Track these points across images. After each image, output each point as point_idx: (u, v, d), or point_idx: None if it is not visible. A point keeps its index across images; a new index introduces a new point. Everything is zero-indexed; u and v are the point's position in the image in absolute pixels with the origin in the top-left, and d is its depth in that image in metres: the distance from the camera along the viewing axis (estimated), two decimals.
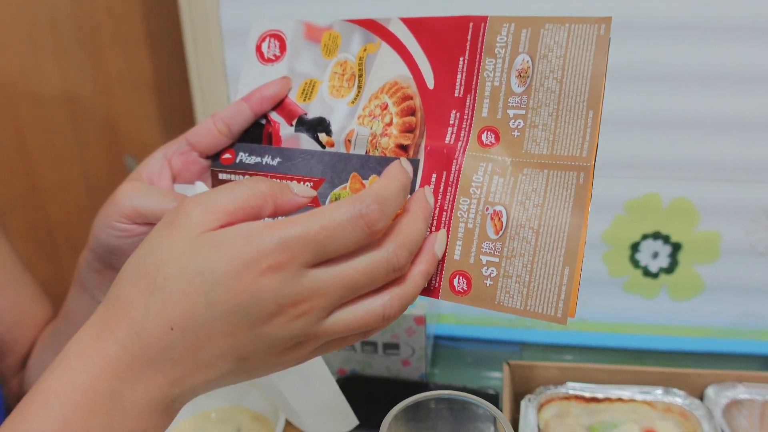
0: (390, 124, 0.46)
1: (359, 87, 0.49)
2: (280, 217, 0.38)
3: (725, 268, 0.87)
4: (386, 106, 0.47)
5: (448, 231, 0.43)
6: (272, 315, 0.36)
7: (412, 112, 0.46)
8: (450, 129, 0.44)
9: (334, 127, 0.49)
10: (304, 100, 0.51)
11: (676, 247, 0.88)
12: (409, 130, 0.46)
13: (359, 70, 0.49)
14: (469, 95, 0.44)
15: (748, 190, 0.83)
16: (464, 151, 0.43)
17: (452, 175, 0.43)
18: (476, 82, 0.43)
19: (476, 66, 0.44)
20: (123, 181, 0.50)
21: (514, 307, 0.41)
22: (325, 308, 0.37)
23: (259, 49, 0.53)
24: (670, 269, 0.89)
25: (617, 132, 0.83)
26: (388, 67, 0.47)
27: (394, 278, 0.39)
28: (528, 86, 0.41)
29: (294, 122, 0.51)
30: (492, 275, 0.41)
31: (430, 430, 0.47)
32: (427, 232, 0.41)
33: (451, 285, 0.42)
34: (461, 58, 0.44)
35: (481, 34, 0.43)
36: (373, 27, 0.48)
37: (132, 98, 1.07)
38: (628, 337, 0.90)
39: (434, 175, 0.44)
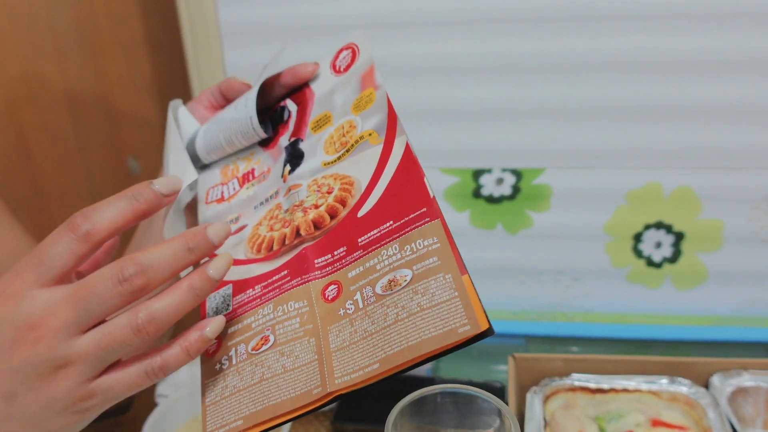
0: (317, 207, 0.47)
1: (339, 158, 0.49)
2: None
3: (728, 256, 0.87)
4: (331, 191, 0.47)
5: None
6: (12, 341, 0.38)
7: (333, 216, 0.46)
8: (330, 256, 0.45)
9: (298, 170, 0.51)
10: (312, 129, 0.53)
11: (679, 237, 0.88)
12: (319, 225, 0.46)
13: (352, 146, 0.49)
14: (363, 251, 0.43)
15: (749, 178, 0.83)
16: (314, 279, 0.44)
17: (290, 283, 0.45)
18: (375, 249, 0.42)
19: (387, 239, 0.42)
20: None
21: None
22: (62, 329, 0.37)
23: (334, 62, 0.56)
24: (673, 258, 0.89)
25: (617, 122, 0.83)
26: (365, 164, 0.47)
27: (125, 293, 0.38)
28: (385, 295, 0.40)
29: (292, 139, 0.54)
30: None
31: (436, 424, 0.48)
32: (192, 256, 0.40)
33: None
34: (391, 221, 0.43)
35: (416, 223, 0.41)
36: (390, 123, 0.47)
37: (133, 100, 1.07)
38: (632, 327, 0.90)
39: (285, 272, 0.46)
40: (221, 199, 0.55)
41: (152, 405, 0.66)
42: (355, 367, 0.39)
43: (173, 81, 1.05)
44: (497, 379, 0.77)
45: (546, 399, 0.67)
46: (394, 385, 0.83)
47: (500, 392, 0.75)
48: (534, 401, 0.66)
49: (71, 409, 0.40)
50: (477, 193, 0.89)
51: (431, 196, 0.42)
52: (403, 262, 0.40)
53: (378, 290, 0.40)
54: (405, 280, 0.39)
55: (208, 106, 0.60)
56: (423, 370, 0.79)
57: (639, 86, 0.81)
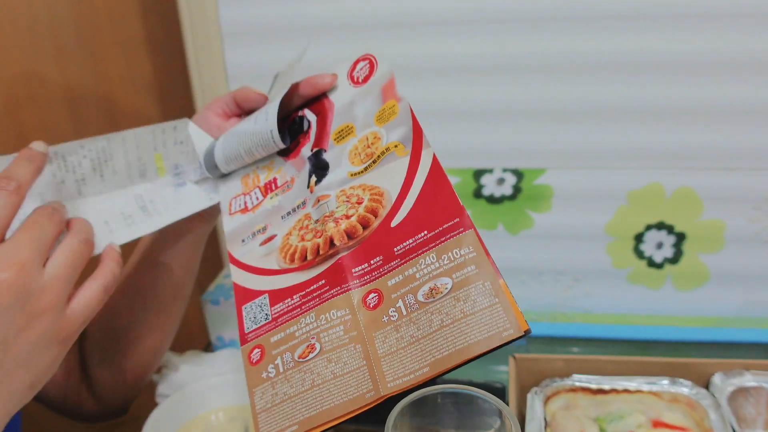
0: (347, 217, 0.49)
1: (366, 169, 0.50)
2: None
3: (730, 256, 0.87)
4: (360, 202, 0.49)
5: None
6: None
7: (366, 226, 0.48)
8: (367, 265, 0.46)
9: (325, 181, 0.52)
10: (335, 140, 0.54)
11: (680, 237, 0.87)
12: (352, 235, 0.48)
13: (378, 157, 0.50)
14: (401, 260, 0.45)
15: (750, 178, 0.83)
16: (354, 288, 0.46)
17: (329, 292, 0.47)
18: (413, 258, 0.44)
19: (424, 248, 0.44)
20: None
21: None
22: (29, 263, 0.44)
23: (351, 73, 0.57)
24: (674, 259, 0.89)
25: (619, 122, 0.83)
26: (393, 175, 0.49)
27: (61, 224, 0.48)
28: (428, 302, 0.42)
29: (315, 149, 0.55)
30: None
31: (437, 424, 0.47)
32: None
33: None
34: (425, 231, 0.45)
35: (451, 233, 0.44)
36: (416, 136, 0.49)
37: (134, 100, 1.07)
38: (633, 328, 0.90)
39: (322, 281, 0.47)
40: (245, 209, 0.56)
41: (152, 405, 0.66)
42: (405, 371, 0.41)
43: (174, 81, 1.05)
44: (498, 380, 0.77)
45: (547, 400, 0.67)
46: None
47: (501, 393, 0.74)
48: (535, 402, 0.65)
49: (56, 339, 0.46)
50: (478, 193, 0.89)
51: (462, 206, 0.44)
52: (441, 270, 0.42)
53: (420, 298, 0.42)
54: (446, 288, 0.42)
55: (221, 114, 0.61)
56: None
57: (640, 87, 0.81)
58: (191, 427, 0.67)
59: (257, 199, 0.56)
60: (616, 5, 0.77)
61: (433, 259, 0.43)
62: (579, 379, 0.68)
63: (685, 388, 0.66)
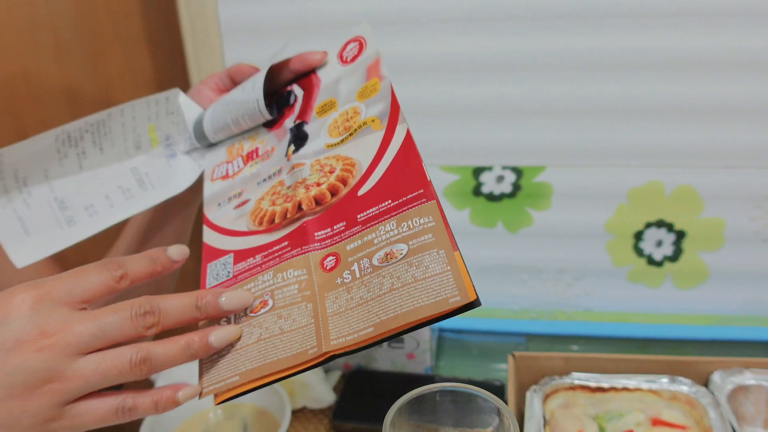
0: (318, 184, 0.50)
1: (342, 141, 0.52)
2: None
3: (730, 255, 0.87)
4: (333, 171, 0.50)
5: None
6: (17, 342, 0.38)
7: (334, 193, 0.49)
8: (330, 230, 0.47)
9: (302, 150, 0.54)
10: (317, 113, 0.56)
11: (680, 235, 0.87)
12: (320, 201, 0.49)
13: (355, 130, 0.52)
14: (362, 227, 0.45)
15: (751, 176, 0.83)
16: (313, 251, 0.46)
17: (290, 253, 0.47)
18: (373, 225, 0.45)
19: (386, 216, 0.45)
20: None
21: None
22: (72, 344, 0.39)
23: (341, 53, 0.58)
24: (674, 257, 0.89)
25: (618, 120, 0.83)
26: (366, 148, 0.50)
27: (138, 326, 0.41)
28: (382, 266, 0.42)
29: (297, 121, 0.57)
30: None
31: (435, 422, 0.47)
32: (198, 314, 0.44)
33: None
34: (389, 200, 0.45)
35: (414, 202, 0.44)
36: (393, 111, 0.50)
37: (133, 98, 1.07)
38: (633, 326, 0.89)
39: (285, 243, 0.48)
40: (226, 176, 0.58)
41: None
42: (350, 330, 0.41)
43: (173, 78, 1.05)
44: (497, 378, 0.77)
45: (546, 398, 0.67)
46: (393, 383, 0.83)
47: (500, 391, 0.75)
48: (534, 400, 0.65)
49: (36, 428, 0.40)
50: (477, 191, 0.89)
51: (428, 179, 0.45)
52: (399, 237, 0.43)
53: (375, 262, 0.43)
54: (401, 254, 0.42)
55: (215, 89, 0.62)
56: (422, 368, 0.79)
57: (641, 84, 0.81)
58: (190, 425, 0.67)
59: (238, 166, 0.58)
60: (616, 4, 0.77)
61: (393, 226, 0.44)
62: (578, 377, 0.68)
63: (684, 387, 0.66)
